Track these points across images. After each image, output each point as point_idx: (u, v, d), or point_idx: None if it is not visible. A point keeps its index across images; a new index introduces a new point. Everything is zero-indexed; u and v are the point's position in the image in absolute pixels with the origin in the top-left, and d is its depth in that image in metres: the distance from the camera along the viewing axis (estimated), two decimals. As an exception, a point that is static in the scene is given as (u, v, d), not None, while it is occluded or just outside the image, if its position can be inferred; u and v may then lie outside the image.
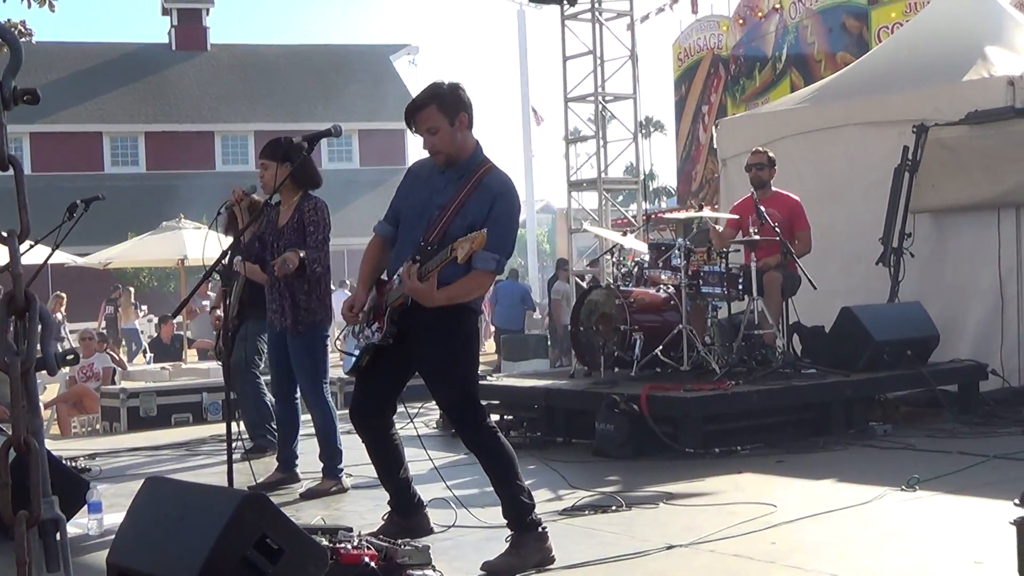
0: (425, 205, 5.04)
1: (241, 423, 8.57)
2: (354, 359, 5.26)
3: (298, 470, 7.15)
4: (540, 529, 4.96)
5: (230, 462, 5.07)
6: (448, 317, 4.95)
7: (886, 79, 10.85)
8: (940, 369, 8.91)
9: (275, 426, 8.29)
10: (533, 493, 6.29)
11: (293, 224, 6.84)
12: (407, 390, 12.58)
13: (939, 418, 8.48)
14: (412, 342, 5.06)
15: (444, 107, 4.96)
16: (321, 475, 6.95)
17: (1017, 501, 3.78)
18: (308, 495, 6.76)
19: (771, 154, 9.49)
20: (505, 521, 5.01)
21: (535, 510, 5.03)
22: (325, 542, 4.63)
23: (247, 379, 8.40)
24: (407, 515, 5.45)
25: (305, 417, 7.26)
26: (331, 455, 6.94)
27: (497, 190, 4.95)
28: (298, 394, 7.13)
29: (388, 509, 5.55)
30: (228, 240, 7.55)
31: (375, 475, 7.20)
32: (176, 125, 44.08)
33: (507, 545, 4.95)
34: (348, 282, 32.80)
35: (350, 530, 4.93)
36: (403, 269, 4.90)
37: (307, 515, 6.03)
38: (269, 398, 8.18)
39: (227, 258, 5.74)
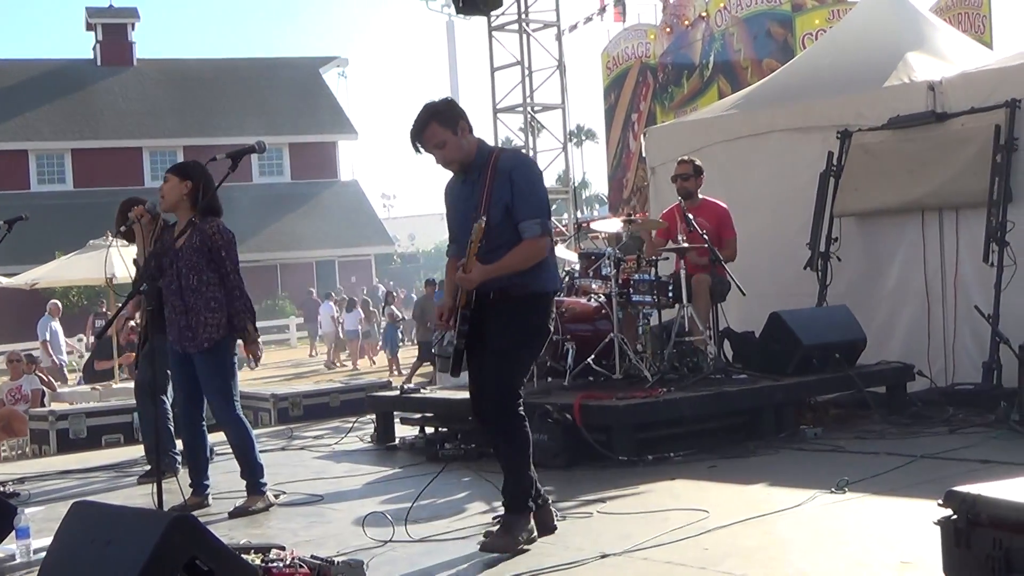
0: (464, 215, 5.47)
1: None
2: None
3: (209, 496, 7.06)
4: (531, 510, 5.42)
5: (159, 484, 5.02)
6: (519, 301, 5.40)
7: (810, 86, 10.97)
8: (868, 371, 9.02)
9: (176, 452, 8.21)
10: (468, 506, 6.34)
11: (194, 245, 6.74)
12: (342, 405, 12.52)
13: (868, 420, 8.57)
14: (486, 332, 5.41)
15: (444, 121, 5.39)
16: (245, 493, 6.88)
17: (941, 502, 3.84)
18: (236, 513, 6.67)
19: (697, 163, 9.56)
20: (503, 500, 5.45)
21: (532, 501, 5.44)
22: (257, 561, 4.60)
23: (146, 402, 8.20)
24: (536, 509, 5.50)
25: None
26: (252, 471, 6.86)
27: (510, 166, 5.42)
28: (204, 418, 7.03)
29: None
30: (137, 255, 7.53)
31: (307, 492, 7.22)
32: (103, 141, 43.62)
33: (499, 525, 5.39)
34: (333, 295, 32.71)
35: (282, 548, 4.90)
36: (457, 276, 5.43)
37: (239, 534, 5.97)
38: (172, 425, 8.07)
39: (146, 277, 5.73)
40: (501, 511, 6.02)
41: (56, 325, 21.65)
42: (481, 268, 5.28)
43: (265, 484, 6.89)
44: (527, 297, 5.41)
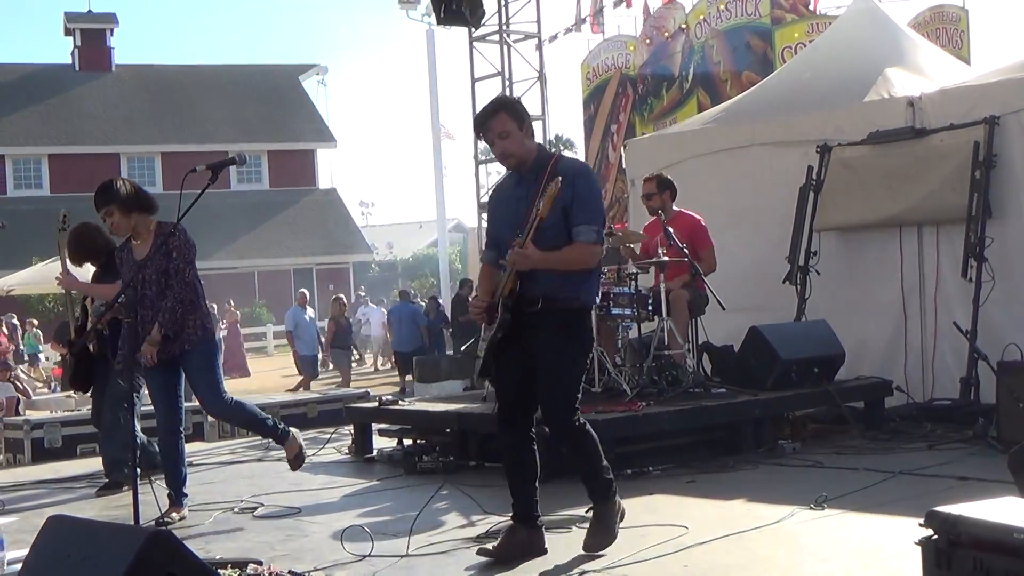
0: (514, 214, 5.44)
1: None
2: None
3: (186, 505, 7.01)
4: (614, 495, 5.51)
5: (135, 497, 4.97)
6: (568, 314, 5.37)
7: (790, 100, 11.00)
8: (846, 386, 9.04)
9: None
10: (446, 519, 6.30)
11: (161, 252, 6.79)
12: (320, 415, 12.39)
13: (846, 435, 8.58)
14: (530, 341, 5.36)
15: (512, 114, 5.44)
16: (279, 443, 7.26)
17: (922, 521, 3.83)
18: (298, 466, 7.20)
19: (662, 177, 9.39)
20: (591, 496, 5.52)
21: (614, 483, 5.55)
22: (234, 577, 4.58)
23: (123, 414, 8.03)
24: (530, 528, 5.48)
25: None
26: (272, 431, 7.23)
27: (575, 171, 5.39)
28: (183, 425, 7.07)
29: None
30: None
31: (285, 504, 7.17)
32: (80, 147, 43.30)
33: (592, 520, 5.46)
34: (384, 300, 32.33)
35: (260, 563, 4.88)
36: (510, 252, 5.31)
37: (216, 548, 5.92)
38: (141, 437, 7.95)
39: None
40: (481, 525, 6.02)
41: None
42: (539, 252, 5.24)
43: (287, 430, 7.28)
44: (576, 311, 5.42)
